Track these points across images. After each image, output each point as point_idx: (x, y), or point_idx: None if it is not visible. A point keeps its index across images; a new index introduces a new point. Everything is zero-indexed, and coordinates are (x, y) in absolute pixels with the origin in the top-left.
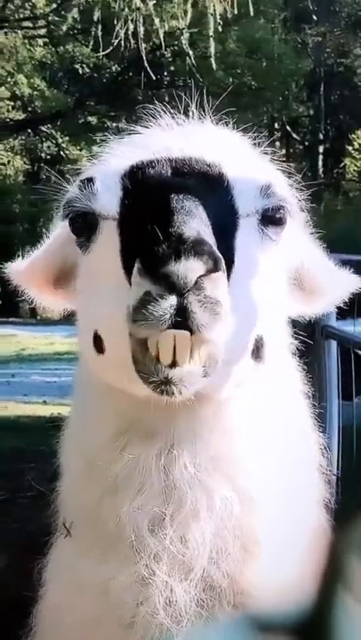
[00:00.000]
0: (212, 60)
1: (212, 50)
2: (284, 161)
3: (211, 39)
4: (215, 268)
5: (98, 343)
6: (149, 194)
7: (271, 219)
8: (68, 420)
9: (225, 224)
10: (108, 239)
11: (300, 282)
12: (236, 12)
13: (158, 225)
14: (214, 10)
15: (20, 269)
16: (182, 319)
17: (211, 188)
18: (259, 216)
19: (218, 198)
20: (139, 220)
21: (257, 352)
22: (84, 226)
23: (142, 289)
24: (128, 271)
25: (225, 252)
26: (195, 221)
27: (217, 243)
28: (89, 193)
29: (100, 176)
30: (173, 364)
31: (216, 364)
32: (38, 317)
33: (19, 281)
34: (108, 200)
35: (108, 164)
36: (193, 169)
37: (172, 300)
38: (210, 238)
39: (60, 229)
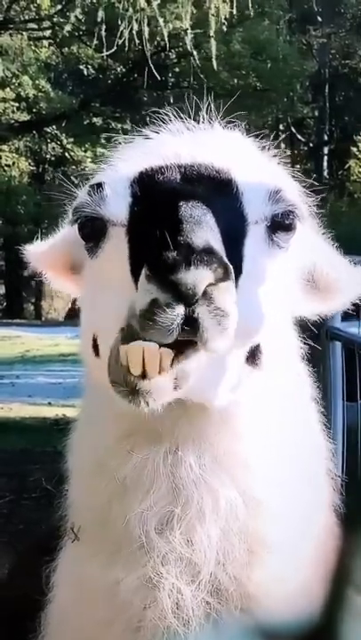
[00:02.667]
0: (214, 61)
1: (214, 50)
2: (289, 162)
3: (212, 40)
4: (225, 278)
5: (96, 346)
6: (159, 201)
7: (280, 224)
8: (75, 422)
9: (234, 231)
10: (116, 245)
11: (314, 281)
12: (236, 12)
13: (167, 233)
14: (216, 10)
15: (38, 252)
16: (190, 328)
17: (220, 194)
18: (268, 222)
19: (227, 205)
20: (148, 227)
21: (253, 358)
22: (93, 231)
23: (150, 295)
24: (136, 277)
25: (233, 260)
26: (204, 230)
27: (226, 250)
28: (98, 199)
29: (109, 182)
30: (143, 376)
31: (188, 378)
32: (43, 319)
33: (36, 263)
34: (117, 206)
35: (118, 170)
36: (202, 175)
37: (180, 309)
38: (219, 246)
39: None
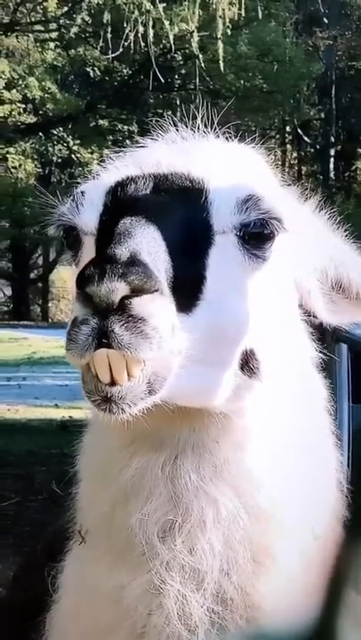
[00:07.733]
0: (221, 63)
1: (221, 52)
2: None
3: (219, 42)
4: (148, 288)
5: None
6: (115, 211)
7: (253, 234)
8: (88, 425)
9: (197, 241)
10: (88, 255)
11: (343, 290)
12: (244, 15)
13: (102, 244)
14: (223, 13)
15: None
16: (107, 341)
17: (187, 204)
18: (237, 232)
19: (192, 215)
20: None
21: (247, 366)
22: (72, 240)
23: (74, 314)
24: None
25: (195, 269)
26: (135, 242)
27: (186, 259)
28: (75, 208)
29: (88, 191)
30: (113, 383)
31: (164, 381)
32: (50, 320)
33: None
34: (89, 215)
35: (99, 180)
36: (174, 185)
37: (94, 322)
38: (151, 258)
39: None
